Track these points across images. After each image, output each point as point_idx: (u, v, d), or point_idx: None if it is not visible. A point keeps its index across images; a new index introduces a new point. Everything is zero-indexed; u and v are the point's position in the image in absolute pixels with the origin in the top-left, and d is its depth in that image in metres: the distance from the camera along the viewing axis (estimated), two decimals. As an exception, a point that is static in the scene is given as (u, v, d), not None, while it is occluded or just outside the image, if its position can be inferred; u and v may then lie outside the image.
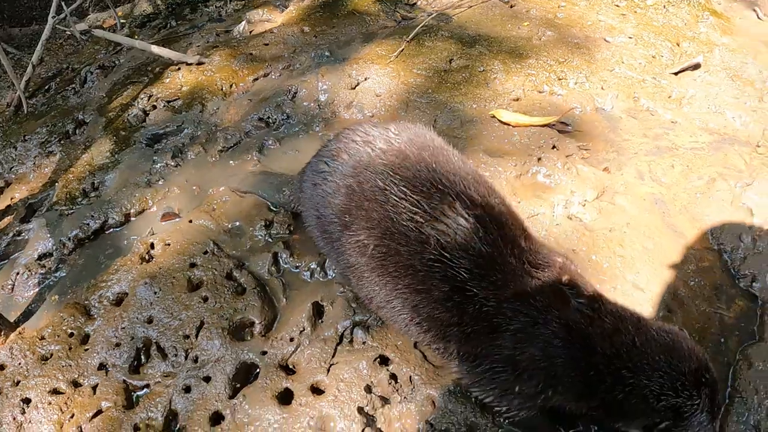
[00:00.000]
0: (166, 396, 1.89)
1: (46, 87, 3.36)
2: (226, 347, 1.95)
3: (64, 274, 2.30)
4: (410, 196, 1.63)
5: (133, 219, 2.48)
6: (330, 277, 2.08)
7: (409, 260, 1.61)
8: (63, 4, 3.17)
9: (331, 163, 1.79)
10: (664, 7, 3.90)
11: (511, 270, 1.58)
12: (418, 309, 1.64)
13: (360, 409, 1.74)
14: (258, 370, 1.91)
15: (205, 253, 2.21)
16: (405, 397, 1.77)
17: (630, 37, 3.42)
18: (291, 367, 1.90)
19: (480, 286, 1.55)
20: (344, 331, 1.90)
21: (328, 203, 1.77)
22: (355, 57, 2.91)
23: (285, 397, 1.82)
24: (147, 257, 2.27)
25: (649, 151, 2.63)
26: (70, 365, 2.02)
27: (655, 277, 2.02)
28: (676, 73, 3.27)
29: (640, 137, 2.74)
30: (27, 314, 2.20)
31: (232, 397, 1.85)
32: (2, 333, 2.09)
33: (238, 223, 2.29)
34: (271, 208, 2.31)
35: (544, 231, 2.12)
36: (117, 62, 3.38)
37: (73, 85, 3.25)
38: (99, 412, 1.90)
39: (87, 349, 2.04)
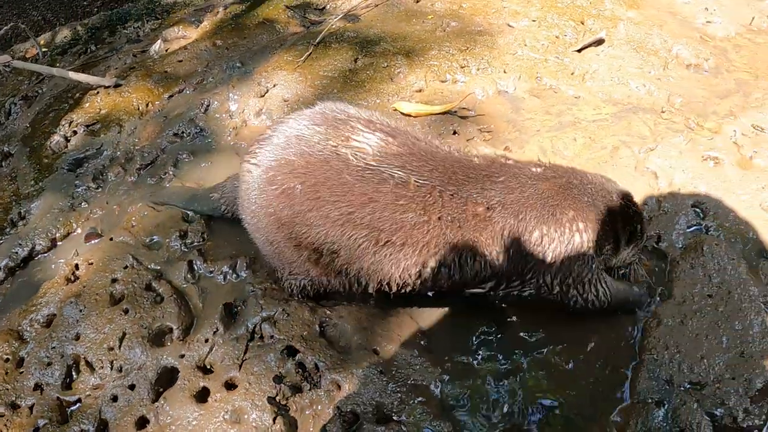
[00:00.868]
0: (95, 407, 1.99)
1: (-29, 122, 3.42)
2: (147, 354, 2.05)
3: (-1, 304, 2.39)
4: (315, 130, 1.81)
5: (59, 243, 2.56)
6: (242, 277, 2.18)
7: (339, 180, 1.75)
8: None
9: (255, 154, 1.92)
10: None
11: (442, 156, 1.81)
12: (376, 225, 1.77)
13: (271, 399, 1.85)
14: (178, 372, 2.01)
15: (126, 267, 2.31)
16: (314, 384, 1.88)
17: (533, 20, 3.54)
18: (208, 366, 2.00)
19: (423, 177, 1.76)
20: (254, 327, 2.02)
21: (263, 184, 1.87)
22: (264, 65, 3.01)
23: (202, 396, 1.93)
24: (72, 278, 2.36)
25: (551, 127, 2.77)
26: (8, 389, 2.10)
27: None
28: (579, 51, 3.38)
29: (542, 115, 2.88)
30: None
31: (155, 400, 1.96)
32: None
33: (155, 237, 2.39)
34: (186, 218, 2.41)
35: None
36: (40, 91, 3.45)
37: (-2, 118, 3.32)
38: (36, 430, 1.99)
39: (22, 372, 2.13)
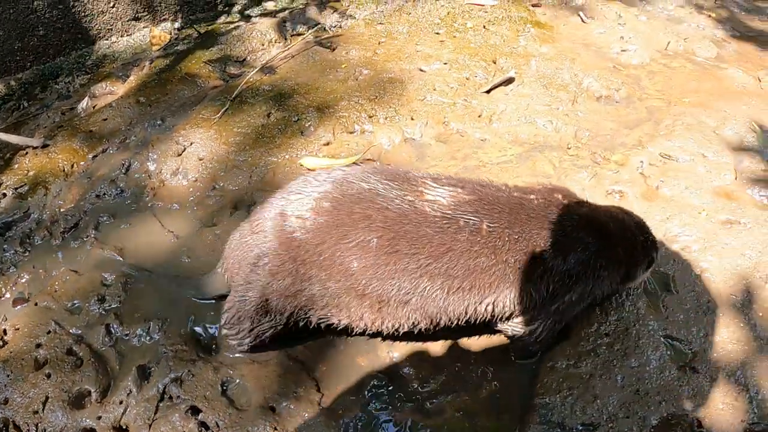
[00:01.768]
0: (23, 468, 2.15)
1: None
2: (68, 417, 2.21)
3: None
4: (393, 186, 1.91)
5: (-11, 309, 2.70)
6: (155, 339, 2.36)
7: (419, 231, 1.84)
8: None
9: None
10: (484, 27, 4.18)
11: (505, 200, 1.94)
12: (450, 271, 1.86)
13: (177, 456, 2.03)
14: (96, 433, 2.18)
15: (49, 332, 2.46)
16: (215, 442, 2.07)
17: (445, 63, 3.71)
18: (123, 427, 2.17)
19: (492, 223, 1.87)
20: (164, 388, 2.19)
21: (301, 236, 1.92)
22: (183, 123, 3.17)
23: (116, 455, 2.10)
24: (1, 343, 2.51)
25: (456, 172, 2.95)
26: (-60, 454, 2.25)
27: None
28: (488, 92, 3.50)
29: (447, 161, 3.05)
30: None
31: (76, 461, 2.12)
32: None
33: (76, 302, 2.55)
34: (104, 283, 2.57)
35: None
36: (-27, 153, 3.56)
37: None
38: (-33, 492, 2.14)
39: (-46, 437, 2.28)
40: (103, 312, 2.50)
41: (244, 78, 3.39)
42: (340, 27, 4.01)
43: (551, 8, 4.85)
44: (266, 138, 3.03)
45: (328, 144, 3.00)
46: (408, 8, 4.25)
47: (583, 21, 4.84)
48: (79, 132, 3.30)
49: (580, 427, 2.04)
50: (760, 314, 2.36)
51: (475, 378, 2.16)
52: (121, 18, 4.03)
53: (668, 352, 2.25)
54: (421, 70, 3.62)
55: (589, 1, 5.16)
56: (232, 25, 3.98)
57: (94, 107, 3.56)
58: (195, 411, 2.11)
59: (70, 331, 2.48)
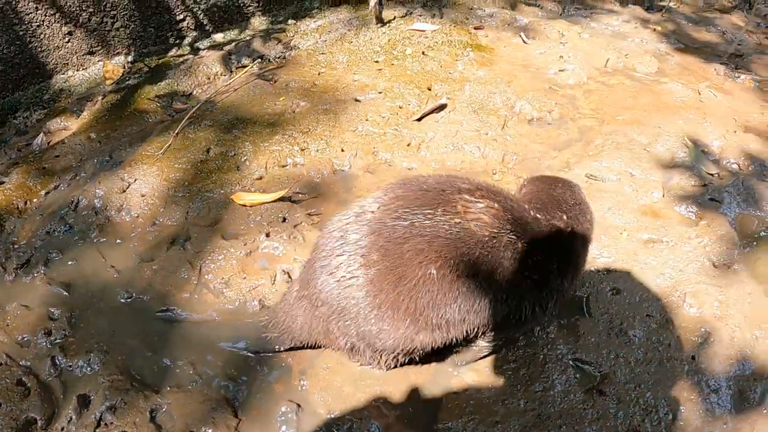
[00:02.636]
0: (-25, 493, 2.39)
1: None
2: (15, 444, 2.46)
3: None
4: (436, 213, 1.96)
5: (-51, 341, 2.94)
6: (95, 370, 2.60)
7: (473, 253, 1.94)
8: None
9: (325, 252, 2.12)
10: (423, 53, 4.32)
11: (532, 217, 2.15)
12: (496, 287, 2.01)
13: (108, 480, 2.28)
14: (41, 458, 2.43)
15: (0, 365, 2.71)
16: (143, 466, 2.31)
17: (380, 92, 3.85)
18: (65, 452, 2.42)
19: (521, 238, 2.07)
20: (100, 415, 2.44)
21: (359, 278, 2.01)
22: (130, 159, 3.40)
23: (58, 478, 2.35)
24: (-44, 375, 2.75)
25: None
26: None
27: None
28: (419, 119, 3.58)
29: (375, 191, 3.26)
30: None
31: (21, 485, 2.37)
32: None
33: (26, 335, 2.79)
34: (51, 317, 2.81)
35: (263, 298, 2.69)
36: (-65, 188, 3.78)
37: None
38: None
39: None
40: (50, 345, 2.74)
41: (188, 113, 3.61)
42: (284, 58, 4.23)
43: (494, 30, 4.98)
44: (204, 173, 3.25)
45: (260, 178, 3.22)
46: (350, 36, 4.46)
47: (524, 42, 4.91)
48: (33, 169, 3.52)
49: (480, 452, 2.21)
50: (676, 334, 2.48)
51: (380, 404, 2.38)
52: (76, 52, 4.24)
53: (576, 376, 2.41)
54: (357, 100, 3.80)
55: (533, 20, 5.26)
56: (181, 59, 4.19)
57: (48, 143, 3.78)
58: (126, 437, 2.36)
59: (20, 363, 2.72)
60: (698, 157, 3.43)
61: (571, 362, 2.43)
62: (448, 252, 1.92)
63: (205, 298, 2.69)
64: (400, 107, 3.71)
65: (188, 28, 4.59)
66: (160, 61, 4.26)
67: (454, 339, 2.17)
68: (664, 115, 3.74)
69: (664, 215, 3.02)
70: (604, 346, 2.46)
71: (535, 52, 4.77)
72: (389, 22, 4.49)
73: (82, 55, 4.28)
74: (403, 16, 4.75)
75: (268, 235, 2.90)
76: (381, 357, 2.26)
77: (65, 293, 2.88)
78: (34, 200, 3.38)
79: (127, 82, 4.09)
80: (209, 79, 4.06)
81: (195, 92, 3.96)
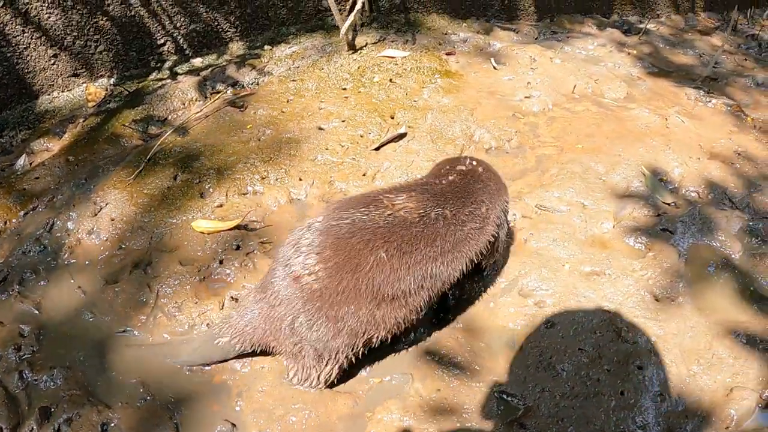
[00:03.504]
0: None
1: None
2: (-18, 450, 2.74)
3: None
4: (370, 209, 2.34)
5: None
6: (58, 384, 2.87)
7: (411, 231, 2.31)
8: None
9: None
10: (390, 80, 4.41)
11: (446, 184, 2.61)
12: (444, 249, 2.40)
13: (60, 487, 2.55)
14: (5, 465, 2.70)
15: (-27, 377, 2.98)
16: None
17: (343, 121, 3.97)
18: (26, 458, 2.69)
19: (445, 206, 2.46)
20: (58, 427, 2.71)
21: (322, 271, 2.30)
22: (103, 183, 3.65)
23: (19, 483, 2.62)
24: (-67, 386, 3.02)
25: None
26: None
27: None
28: (377, 149, 3.66)
29: (320, 215, 3.47)
30: None
31: (-14, 489, 2.65)
32: None
33: (-2, 350, 3.06)
34: (22, 334, 3.08)
35: (210, 323, 2.95)
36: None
37: None
38: None
39: None
40: (19, 360, 3.01)
41: (160, 139, 3.86)
42: (257, 84, 4.47)
43: (465, 56, 5.11)
44: (170, 200, 3.49)
45: (221, 206, 3.45)
46: (322, 63, 4.68)
47: (494, 67, 5.02)
48: (14, 190, 3.78)
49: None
50: (606, 369, 2.51)
51: (308, 426, 2.63)
52: (61, 74, 4.50)
53: (499, 408, 2.45)
54: (320, 129, 3.99)
55: (506, 46, 5.38)
56: (159, 83, 4.44)
57: (31, 164, 4.04)
58: (80, 448, 2.62)
59: (-10, 376, 3.00)
60: (655, 186, 3.41)
61: (496, 395, 2.52)
62: (391, 236, 2.26)
63: (159, 321, 2.95)
64: (361, 136, 3.83)
65: (168, 52, 4.83)
66: (140, 84, 4.50)
67: (416, 308, 2.45)
68: (626, 142, 3.74)
69: (612, 246, 3.03)
70: (531, 379, 2.51)
71: (504, 78, 4.83)
72: (361, 48, 4.67)
73: (67, 77, 4.54)
74: (375, 42, 4.96)
75: (221, 262, 3.15)
76: (324, 362, 2.49)
77: (36, 311, 3.14)
78: (13, 221, 3.64)
79: (107, 106, 4.34)
80: (184, 104, 4.30)
81: (170, 117, 4.19)
